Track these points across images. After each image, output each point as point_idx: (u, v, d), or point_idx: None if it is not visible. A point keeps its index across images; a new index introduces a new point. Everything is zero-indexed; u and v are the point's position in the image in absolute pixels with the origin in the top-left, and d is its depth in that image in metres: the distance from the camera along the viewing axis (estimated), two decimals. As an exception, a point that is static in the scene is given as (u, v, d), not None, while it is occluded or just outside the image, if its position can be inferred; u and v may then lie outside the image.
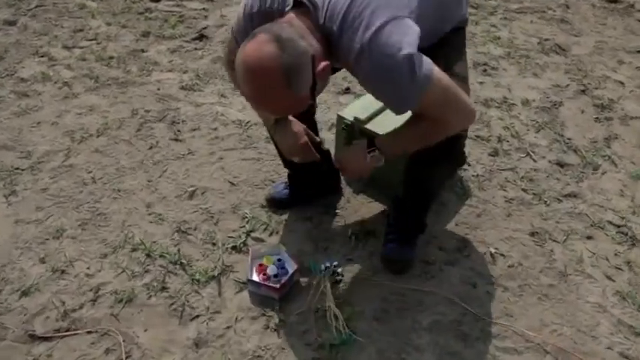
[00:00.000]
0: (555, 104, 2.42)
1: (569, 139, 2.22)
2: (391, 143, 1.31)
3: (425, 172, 1.43)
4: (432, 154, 1.33)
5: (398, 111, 1.20)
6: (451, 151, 1.38)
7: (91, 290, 1.56)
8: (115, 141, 2.14)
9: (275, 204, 1.83)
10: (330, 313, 1.46)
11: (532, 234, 1.79)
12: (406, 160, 1.46)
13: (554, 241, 1.77)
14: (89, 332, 1.44)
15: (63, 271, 1.61)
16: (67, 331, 1.45)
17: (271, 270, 1.55)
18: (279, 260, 1.59)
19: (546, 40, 2.92)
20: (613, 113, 2.38)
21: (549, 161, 2.10)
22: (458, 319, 1.51)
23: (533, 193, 1.95)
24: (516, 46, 2.87)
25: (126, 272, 1.61)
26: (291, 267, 1.57)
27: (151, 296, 1.54)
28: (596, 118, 2.36)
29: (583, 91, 2.52)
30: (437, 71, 1.13)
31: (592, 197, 1.93)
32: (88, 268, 1.62)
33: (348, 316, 1.48)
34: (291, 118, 1.37)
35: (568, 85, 2.56)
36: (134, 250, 1.68)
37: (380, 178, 1.86)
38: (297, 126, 1.39)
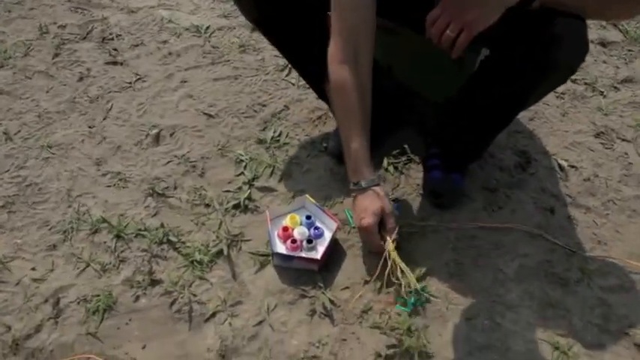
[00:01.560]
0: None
1: (603, 10, 1.85)
2: None
3: (529, 69, 0.98)
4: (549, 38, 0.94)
5: None
6: (577, 41, 0.95)
7: (46, 302, 1.07)
8: (25, 75, 1.51)
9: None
10: (396, 269, 1.06)
11: (597, 135, 1.46)
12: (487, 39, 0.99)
13: (623, 140, 1.46)
14: (59, 365, 0.99)
15: (-5, 280, 1.10)
16: (24, 368, 0.99)
17: (300, 233, 1.13)
18: (307, 218, 1.16)
19: None
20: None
21: (591, 41, 1.73)
22: (546, 258, 1.19)
23: (585, 83, 1.60)
24: None
25: (92, 267, 1.12)
26: (328, 226, 1.16)
27: (138, 297, 1.08)
28: (625, -18, 1.98)
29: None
30: None
31: (651, 79, 1.62)
32: (33, 269, 1.12)
33: (416, 278, 1.11)
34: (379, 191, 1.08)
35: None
36: (95, 231, 1.18)
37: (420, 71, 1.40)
38: (380, 201, 1.07)
